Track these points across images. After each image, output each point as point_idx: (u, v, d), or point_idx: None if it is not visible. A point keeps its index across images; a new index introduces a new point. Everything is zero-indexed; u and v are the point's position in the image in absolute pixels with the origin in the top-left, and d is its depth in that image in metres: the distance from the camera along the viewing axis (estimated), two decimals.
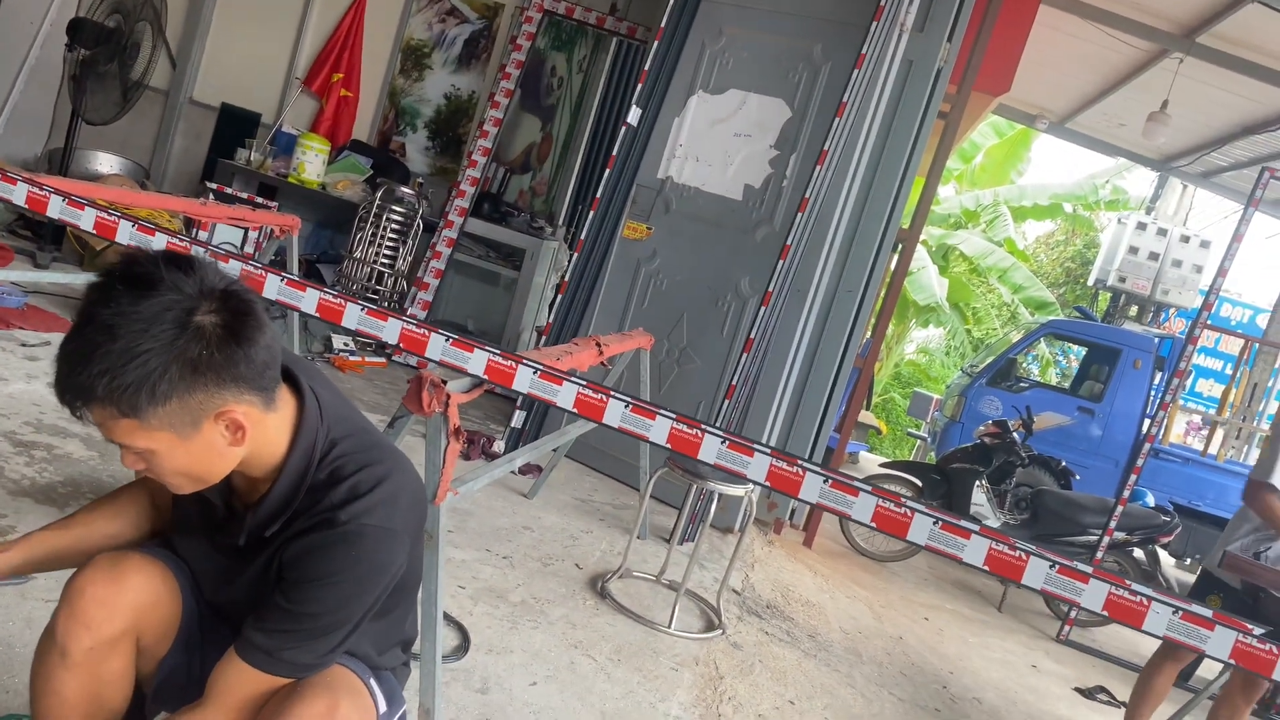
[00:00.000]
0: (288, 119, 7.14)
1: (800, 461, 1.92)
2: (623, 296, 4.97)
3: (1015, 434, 6.56)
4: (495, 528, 3.70)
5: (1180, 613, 1.67)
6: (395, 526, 1.34)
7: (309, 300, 2.24)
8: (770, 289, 4.25)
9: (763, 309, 4.26)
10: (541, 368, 2.04)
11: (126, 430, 1.20)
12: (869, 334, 6.02)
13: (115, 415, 1.18)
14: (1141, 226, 11.17)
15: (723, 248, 4.78)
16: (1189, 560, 9.24)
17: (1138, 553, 6.07)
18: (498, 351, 2.06)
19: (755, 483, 1.93)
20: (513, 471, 4.38)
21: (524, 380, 2.03)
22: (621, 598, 3.39)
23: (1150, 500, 7.15)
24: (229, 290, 1.24)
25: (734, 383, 4.24)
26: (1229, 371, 12.33)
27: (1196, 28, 7.02)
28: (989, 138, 15.59)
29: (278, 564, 1.34)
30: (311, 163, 6.63)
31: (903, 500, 1.85)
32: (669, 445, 1.97)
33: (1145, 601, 1.69)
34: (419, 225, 6.23)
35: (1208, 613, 1.68)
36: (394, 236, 6.15)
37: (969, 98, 5.58)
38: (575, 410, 2.01)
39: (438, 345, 2.08)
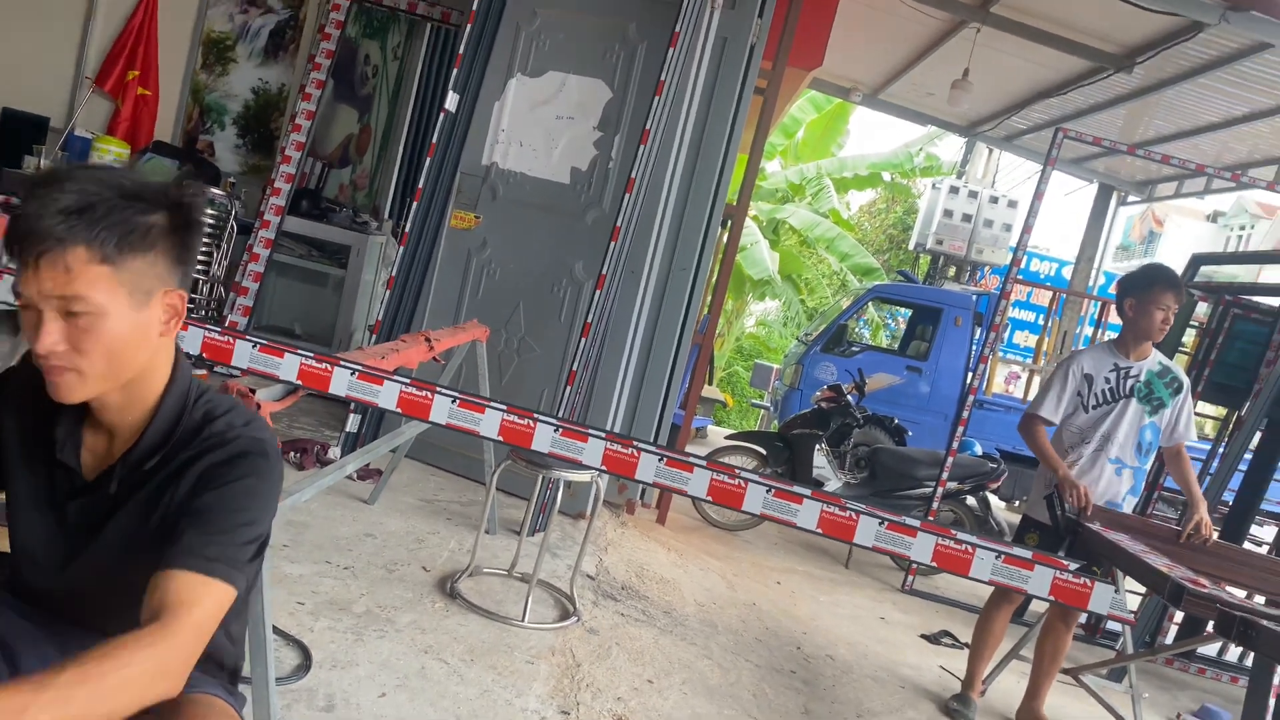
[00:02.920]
0: (80, 121, 6.62)
1: (636, 443, 1.90)
2: (455, 288, 4.86)
3: (850, 396, 6.80)
4: (335, 538, 3.54)
5: (1002, 556, 1.74)
6: (275, 457, 1.36)
7: None
8: (604, 272, 4.23)
9: (598, 292, 4.24)
10: (360, 368, 1.94)
11: (91, 279, 1.19)
12: (706, 310, 6.10)
13: (96, 260, 1.18)
14: (954, 191, 11.77)
15: (554, 233, 4.73)
16: (1017, 503, 9.84)
17: (970, 500, 6.41)
18: (311, 354, 1.95)
19: (591, 468, 1.90)
20: (350, 477, 4.22)
21: (341, 383, 1.93)
22: (472, 596, 3.31)
23: (978, 449, 7.57)
24: (189, 185, 1.30)
25: (575, 368, 4.20)
26: (1041, 322, 13.18)
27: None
28: (808, 112, 16.08)
29: (173, 495, 1.30)
30: None
31: (736, 472, 1.85)
32: (501, 438, 1.91)
33: (970, 549, 1.75)
34: (233, 227, 5.90)
35: (1027, 554, 1.75)
36: (205, 241, 5.80)
37: (784, 73, 5.71)
38: (399, 410, 1.92)
39: (244, 352, 1.95)
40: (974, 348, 9.19)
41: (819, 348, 9.68)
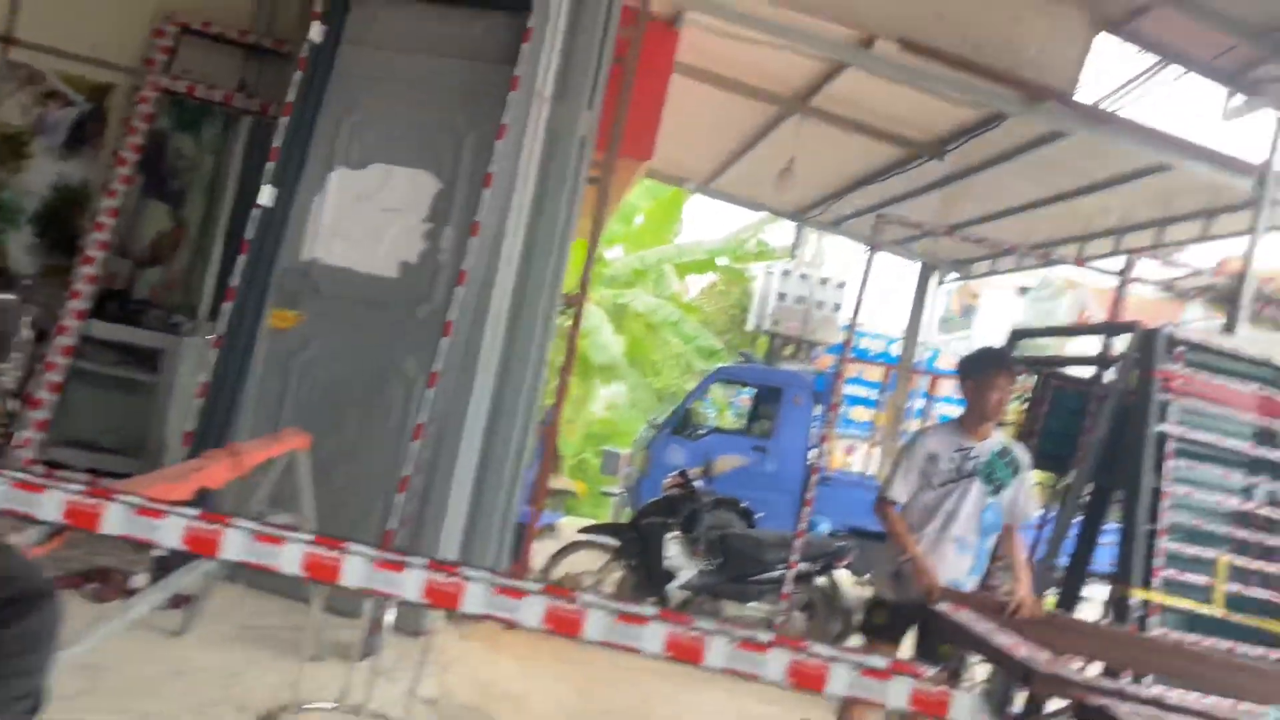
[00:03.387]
0: None
1: (460, 570, 1.71)
2: (275, 393, 4.54)
3: (697, 481, 6.74)
4: (137, 679, 3.15)
5: (860, 669, 1.64)
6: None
7: None
8: (436, 369, 4.03)
9: (430, 390, 4.03)
10: (138, 502, 1.68)
11: None
12: (549, 399, 5.96)
13: None
14: (786, 274, 12.12)
15: (383, 330, 4.51)
16: (867, 576, 9.96)
17: (820, 580, 6.41)
18: (79, 489, 1.69)
19: (411, 603, 1.70)
20: (160, 608, 3.80)
21: (115, 520, 1.67)
22: None
23: (826, 527, 7.63)
24: None
25: (407, 474, 3.95)
26: (876, 397, 13.63)
27: (809, 92, 7.73)
28: (646, 200, 16.40)
29: None
30: None
31: (575, 596, 1.69)
32: (306, 574, 1.69)
33: (824, 664, 1.64)
34: (29, 335, 5.39)
35: (883, 664, 1.65)
36: None
37: (617, 163, 5.73)
38: (186, 547, 1.68)
39: None
40: (814, 425, 9.36)
41: (667, 432, 9.66)
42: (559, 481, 11.34)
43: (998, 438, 3.89)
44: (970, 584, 3.83)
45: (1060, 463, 5.84)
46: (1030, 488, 3.91)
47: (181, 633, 3.62)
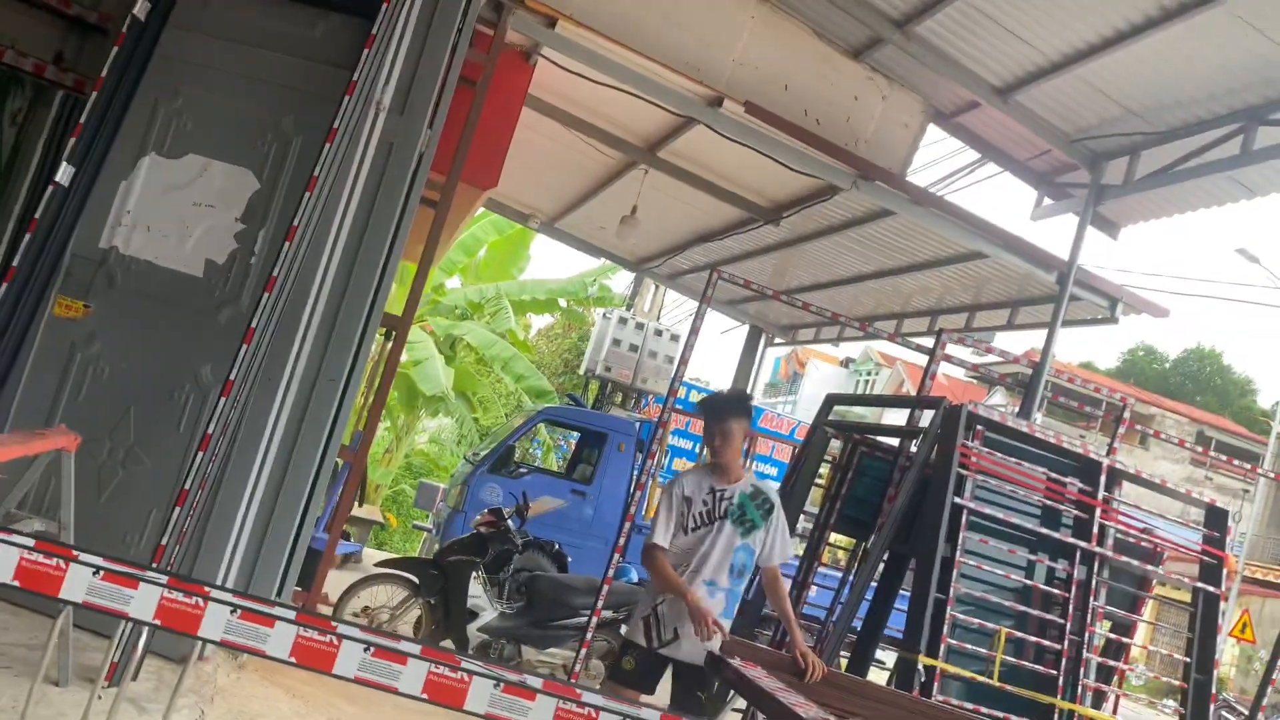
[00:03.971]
0: None
1: (207, 589, 1.55)
2: (51, 386, 4.14)
3: (510, 521, 6.59)
4: None
5: (628, 719, 1.56)
6: None
7: None
8: (231, 377, 3.76)
9: (223, 400, 3.75)
10: None
11: None
12: (360, 424, 5.70)
13: None
14: (623, 321, 12.20)
15: (180, 331, 4.20)
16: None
17: (625, 628, 6.34)
18: None
19: (142, 623, 1.51)
20: None
21: None
22: None
23: (634, 575, 7.59)
24: None
25: (186, 486, 3.65)
26: (698, 450, 13.79)
27: (657, 143, 7.83)
28: (490, 234, 16.23)
29: None
30: None
31: (334, 627, 1.55)
32: (19, 581, 1.48)
33: (595, 712, 1.56)
34: None
35: (655, 715, 1.59)
36: None
37: (457, 188, 5.61)
38: None
39: None
40: (636, 473, 9.37)
41: (485, 468, 9.45)
42: (368, 511, 10.93)
43: (748, 480, 3.93)
44: (725, 626, 3.81)
45: (863, 527, 6.02)
46: (784, 528, 3.93)
47: None
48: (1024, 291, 8.23)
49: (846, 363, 39.99)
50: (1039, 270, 7.39)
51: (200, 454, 3.69)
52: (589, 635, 5.67)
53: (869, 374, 39.37)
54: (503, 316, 16.79)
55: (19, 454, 2.81)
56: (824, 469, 6.45)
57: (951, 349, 7.13)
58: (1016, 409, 7.23)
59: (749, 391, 4.35)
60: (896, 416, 9.46)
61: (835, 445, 6.56)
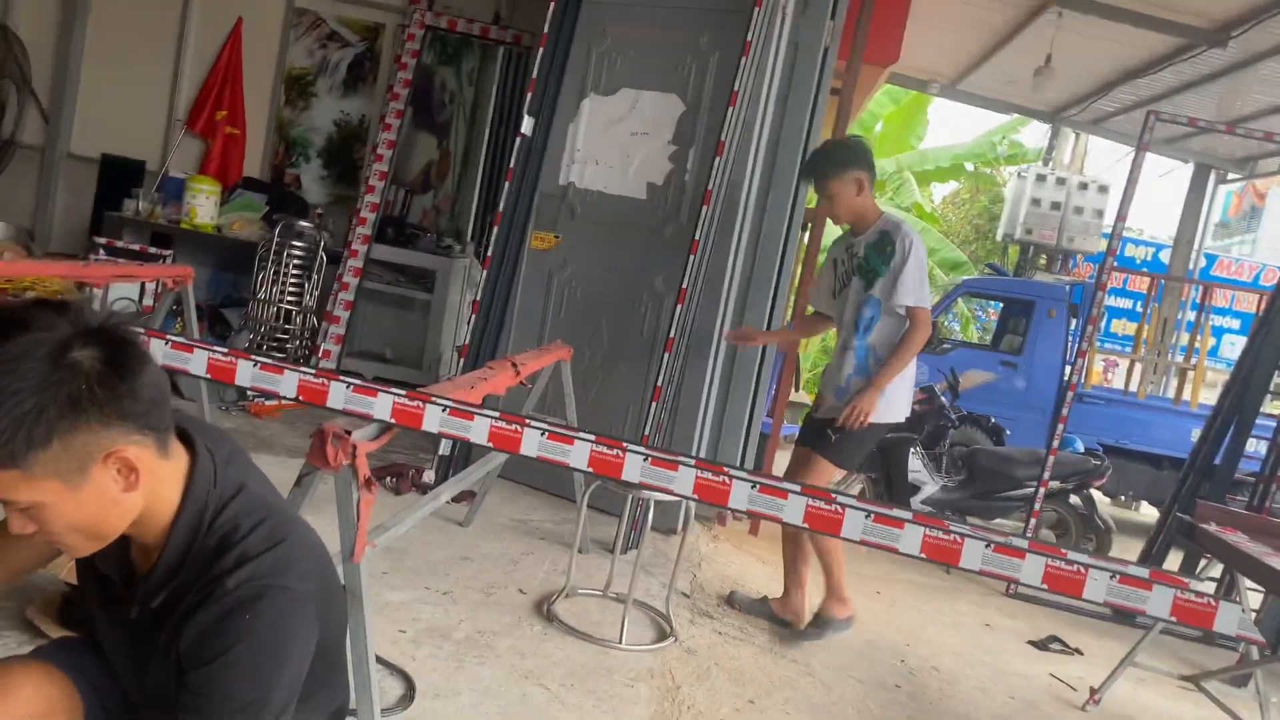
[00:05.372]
0: (174, 163, 6.90)
1: (727, 469, 1.88)
2: (538, 309, 4.89)
3: (943, 397, 6.65)
4: (432, 563, 3.60)
5: (1117, 577, 1.67)
6: (294, 586, 1.25)
7: (198, 362, 2.13)
8: (684, 285, 4.21)
9: (679, 306, 4.22)
10: (450, 404, 1.96)
11: (9, 484, 1.11)
12: (789, 315, 6.03)
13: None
14: (1041, 178, 11.42)
15: (633, 249, 4.74)
16: (1123, 498, 9.49)
17: (1074, 499, 6.20)
18: (403, 393, 1.98)
19: (683, 497, 1.88)
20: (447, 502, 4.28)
21: (434, 420, 1.95)
22: (569, 618, 3.32)
23: (1080, 446, 7.32)
24: (106, 326, 1.16)
25: (659, 384, 4.19)
26: (1140, 309, 12.69)
27: None
28: (886, 106, 15.81)
29: (176, 654, 1.23)
30: (203, 206, 6.40)
31: (833, 498, 1.81)
32: (591, 469, 1.91)
33: (1082, 570, 1.68)
34: (323, 258, 6.06)
35: (1144, 573, 1.68)
36: (297, 272, 5.97)
37: (859, 72, 5.62)
38: (490, 444, 1.93)
39: (339, 394, 1.98)
40: (1070, 340, 8.90)
41: None
42: (797, 397, 11.45)
43: (878, 226, 3.60)
44: (853, 386, 3.60)
45: None
46: (910, 273, 3.48)
47: (465, 524, 4.07)
48: None
49: None
50: None
51: (666, 355, 4.20)
52: (1037, 505, 5.63)
53: None
54: (906, 190, 16.39)
55: (537, 367, 3.42)
56: None
57: None
58: None
59: (861, 141, 3.82)
60: None
61: None
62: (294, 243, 5.93)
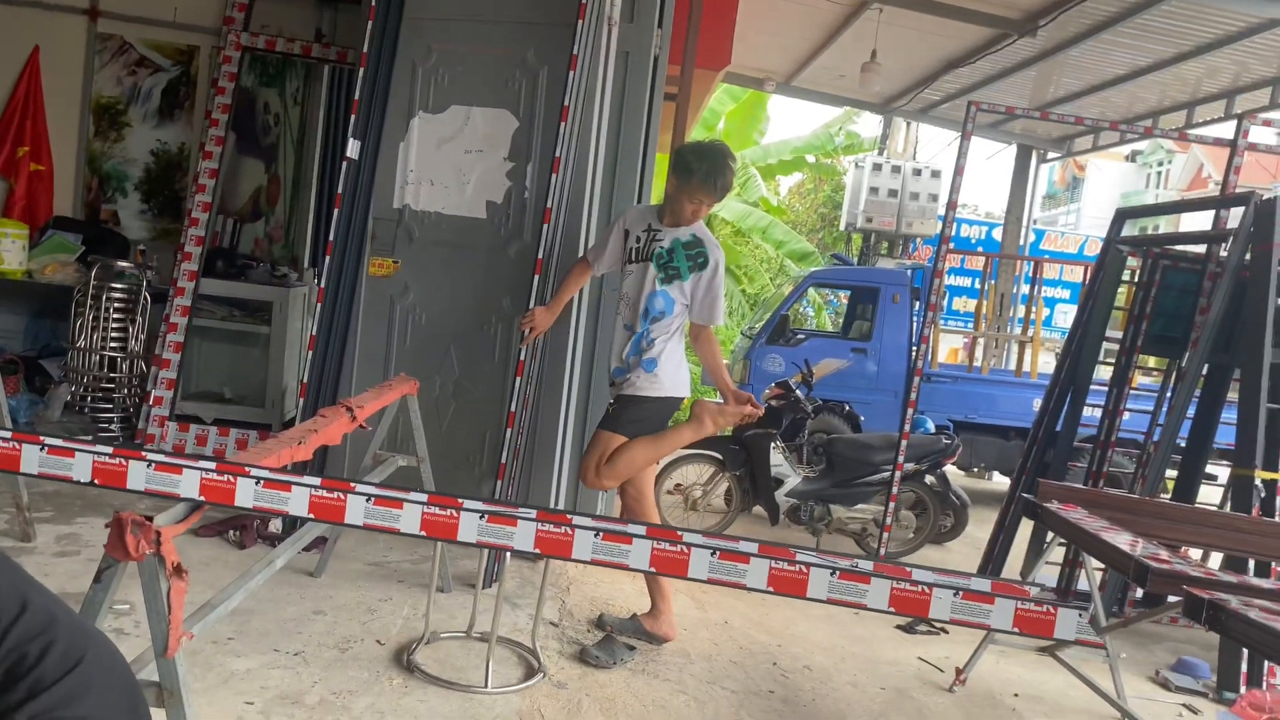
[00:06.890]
0: None
1: (571, 519, 1.80)
2: (381, 338, 4.71)
3: (798, 390, 6.76)
4: (282, 621, 3.40)
5: (960, 593, 1.67)
6: (93, 716, 1.12)
7: None
8: (531, 305, 4.12)
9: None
10: (266, 475, 1.81)
11: None
12: None
13: None
14: (877, 167, 11.81)
15: (477, 270, 4.61)
16: (975, 470, 9.91)
17: (929, 478, 6.41)
18: (212, 466, 1.82)
19: (522, 553, 1.80)
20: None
21: (247, 494, 1.80)
22: (431, 666, 3.19)
23: (930, 425, 7.57)
24: None
25: (512, 409, 4.08)
26: (978, 286, 13.29)
27: None
28: (726, 104, 16.07)
29: None
30: (10, 251, 5.91)
31: (680, 537, 1.76)
32: (424, 533, 1.80)
33: (926, 590, 1.68)
34: (146, 298, 5.69)
35: (985, 587, 1.69)
36: (120, 316, 5.59)
37: (694, 77, 5.65)
38: (313, 516, 1.80)
39: (139, 474, 1.81)
40: (915, 322, 9.21)
41: (763, 340, 9.63)
42: None
43: (693, 230, 3.72)
44: (632, 364, 3.77)
45: (1174, 344, 5.65)
46: (715, 292, 3.72)
47: (317, 574, 3.87)
48: None
49: (1133, 156, 36.19)
50: None
51: (518, 379, 4.09)
52: (895, 489, 5.78)
53: (1160, 165, 35.49)
54: (752, 185, 16.72)
55: (377, 408, 3.27)
56: (1122, 289, 6.07)
57: (1256, 134, 6.34)
58: None
59: (726, 148, 3.86)
60: (1197, 220, 8.63)
61: (1132, 263, 6.14)
62: (113, 284, 5.54)
